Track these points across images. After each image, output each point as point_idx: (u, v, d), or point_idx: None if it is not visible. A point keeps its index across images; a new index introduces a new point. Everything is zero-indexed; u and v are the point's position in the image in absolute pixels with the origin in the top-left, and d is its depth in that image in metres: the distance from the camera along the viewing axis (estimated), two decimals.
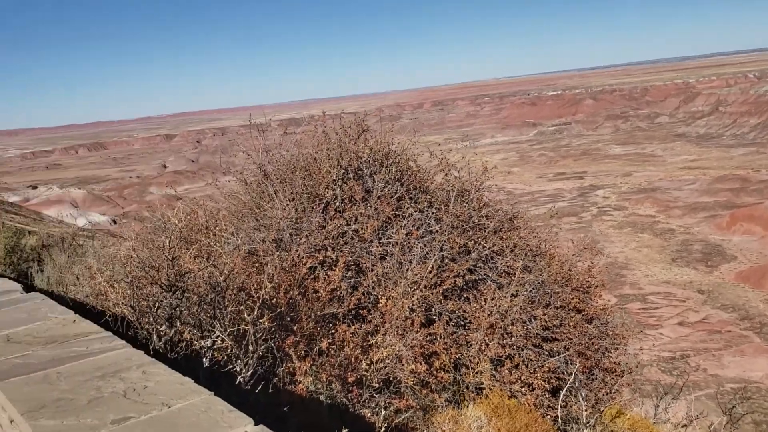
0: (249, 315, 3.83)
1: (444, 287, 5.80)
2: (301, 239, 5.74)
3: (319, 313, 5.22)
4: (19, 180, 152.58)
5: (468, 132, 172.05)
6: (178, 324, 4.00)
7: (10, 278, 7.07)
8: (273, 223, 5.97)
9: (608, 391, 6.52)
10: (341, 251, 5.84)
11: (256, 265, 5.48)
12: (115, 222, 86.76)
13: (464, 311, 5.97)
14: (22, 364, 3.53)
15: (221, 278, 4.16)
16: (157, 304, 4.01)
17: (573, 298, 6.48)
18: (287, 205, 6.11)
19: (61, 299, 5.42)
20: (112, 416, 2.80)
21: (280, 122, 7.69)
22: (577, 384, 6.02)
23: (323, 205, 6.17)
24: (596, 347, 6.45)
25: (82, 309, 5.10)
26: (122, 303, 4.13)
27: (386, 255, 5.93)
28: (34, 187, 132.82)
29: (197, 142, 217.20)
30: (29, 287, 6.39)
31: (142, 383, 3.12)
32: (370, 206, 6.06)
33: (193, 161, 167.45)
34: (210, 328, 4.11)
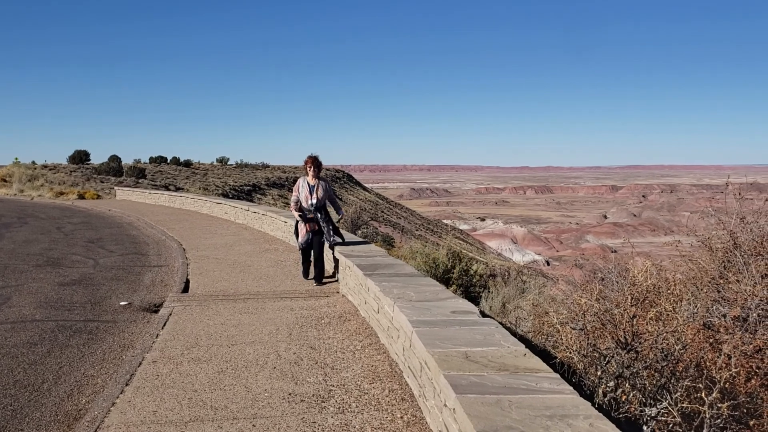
0: (708, 396, 3.47)
1: None
2: None
3: None
4: (471, 211, 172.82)
5: None
6: (626, 384, 3.88)
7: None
8: (738, 299, 5.35)
9: None
10: None
11: (711, 341, 4.99)
12: (548, 263, 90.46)
13: None
14: (478, 384, 3.88)
15: (677, 347, 3.89)
16: (608, 358, 3.96)
17: None
18: (759, 281, 5.40)
19: (510, 331, 5.87)
20: None
21: (740, 186, 6.89)
22: None
23: None
24: None
25: (526, 344, 5.42)
26: (573, 349, 4.21)
27: None
28: (482, 220, 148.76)
29: (642, 196, 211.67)
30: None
31: None
32: None
33: (635, 215, 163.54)
34: (657, 397, 3.88)
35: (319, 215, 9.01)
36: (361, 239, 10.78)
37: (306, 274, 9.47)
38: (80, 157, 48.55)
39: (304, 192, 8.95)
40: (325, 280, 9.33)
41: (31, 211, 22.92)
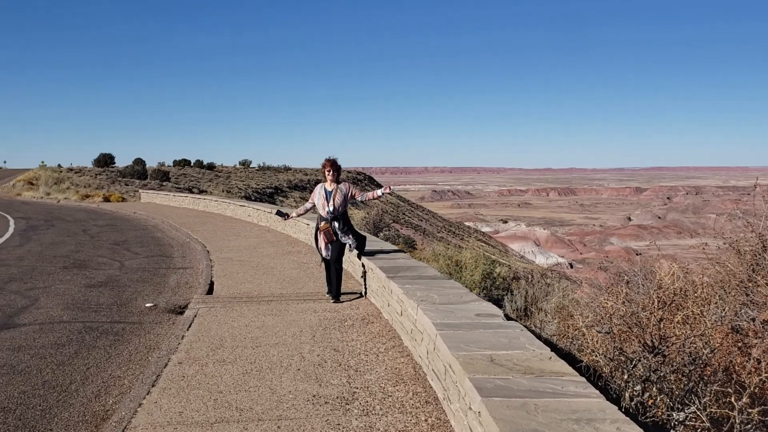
0: (737, 401, 3.41)
1: None
2: None
3: None
4: (493, 213, 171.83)
5: None
6: (654, 388, 3.83)
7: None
8: (767, 302, 5.26)
9: None
10: None
11: (739, 345, 4.91)
12: (571, 266, 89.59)
13: None
14: (504, 387, 3.85)
15: (705, 351, 3.84)
16: (635, 362, 3.91)
17: None
18: None
19: (535, 334, 5.82)
20: None
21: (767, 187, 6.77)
22: None
23: None
24: None
25: (551, 347, 5.37)
26: (599, 352, 4.16)
27: None
28: (505, 222, 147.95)
29: (667, 198, 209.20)
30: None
31: None
32: None
33: (659, 217, 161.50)
34: (685, 401, 3.82)
35: (336, 224, 8.10)
36: (383, 242, 10.75)
37: (332, 294, 8.35)
38: (105, 161, 49.28)
39: (320, 199, 8.13)
40: (344, 292, 8.59)
41: (57, 214, 23.31)
